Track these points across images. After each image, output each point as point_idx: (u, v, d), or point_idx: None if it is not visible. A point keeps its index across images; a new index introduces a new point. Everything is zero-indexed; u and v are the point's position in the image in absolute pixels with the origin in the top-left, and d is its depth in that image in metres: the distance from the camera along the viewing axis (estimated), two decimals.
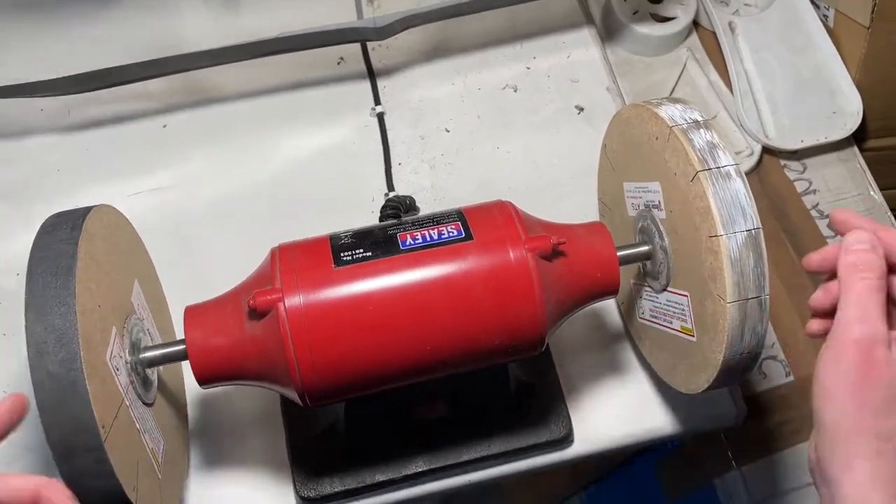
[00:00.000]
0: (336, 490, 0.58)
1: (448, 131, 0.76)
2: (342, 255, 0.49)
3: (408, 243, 0.50)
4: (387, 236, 0.50)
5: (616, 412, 0.63)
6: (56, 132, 0.74)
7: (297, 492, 0.58)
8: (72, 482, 0.41)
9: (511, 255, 0.49)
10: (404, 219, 0.53)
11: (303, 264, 0.49)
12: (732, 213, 0.45)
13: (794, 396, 0.75)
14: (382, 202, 0.72)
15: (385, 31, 0.71)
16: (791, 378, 0.75)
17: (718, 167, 0.46)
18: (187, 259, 0.67)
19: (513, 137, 0.75)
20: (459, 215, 0.51)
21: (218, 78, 0.76)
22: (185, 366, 0.55)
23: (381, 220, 0.62)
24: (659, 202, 0.52)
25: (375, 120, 0.76)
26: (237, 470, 0.60)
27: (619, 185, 0.58)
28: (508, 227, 0.50)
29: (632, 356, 0.65)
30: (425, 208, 0.69)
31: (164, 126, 0.75)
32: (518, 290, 0.48)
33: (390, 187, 0.73)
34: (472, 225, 0.50)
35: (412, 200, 0.65)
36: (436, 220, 0.51)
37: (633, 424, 0.63)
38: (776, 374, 0.76)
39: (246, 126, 0.75)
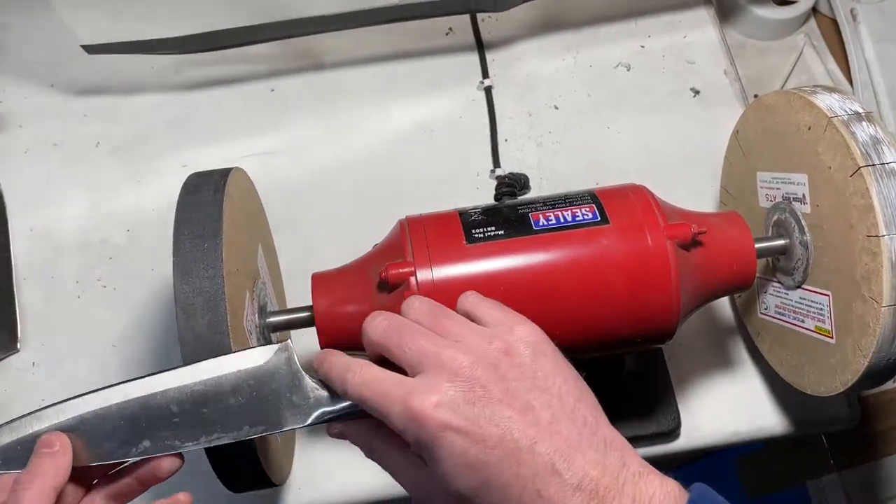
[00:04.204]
0: None
1: (556, 108, 0.74)
2: (473, 231, 0.48)
3: (541, 224, 0.48)
4: (518, 215, 0.49)
5: (724, 407, 0.62)
6: (165, 91, 0.74)
7: None
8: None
9: (649, 241, 0.47)
10: (534, 198, 0.51)
11: (434, 239, 0.48)
12: None
13: None
14: (487, 178, 0.71)
15: (503, 2, 0.69)
16: None
17: (883, 163, 0.44)
18: (291, 225, 0.67)
19: (623, 118, 0.73)
20: (593, 197, 0.50)
21: (326, 44, 0.75)
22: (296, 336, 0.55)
23: (495, 197, 0.61)
24: (803, 195, 0.49)
25: (482, 94, 0.74)
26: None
27: (750, 174, 0.56)
28: (646, 212, 0.48)
29: (743, 351, 0.63)
30: (532, 188, 0.68)
31: (272, 90, 0.74)
32: (654, 278, 0.47)
33: (496, 164, 0.71)
34: (607, 208, 0.49)
35: (526, 178, 0.63)
36: (569, 200, 0.50)
37: (741, 421, 0.61)
38: None
39: (352, 94, 0.74)
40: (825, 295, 0.49)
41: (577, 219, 0.48)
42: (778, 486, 0.80)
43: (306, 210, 0.69)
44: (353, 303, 0.49)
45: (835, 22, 0.84)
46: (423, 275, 0.47)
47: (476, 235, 0.48)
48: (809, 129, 0.47)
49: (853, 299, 0.46)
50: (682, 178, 0.70)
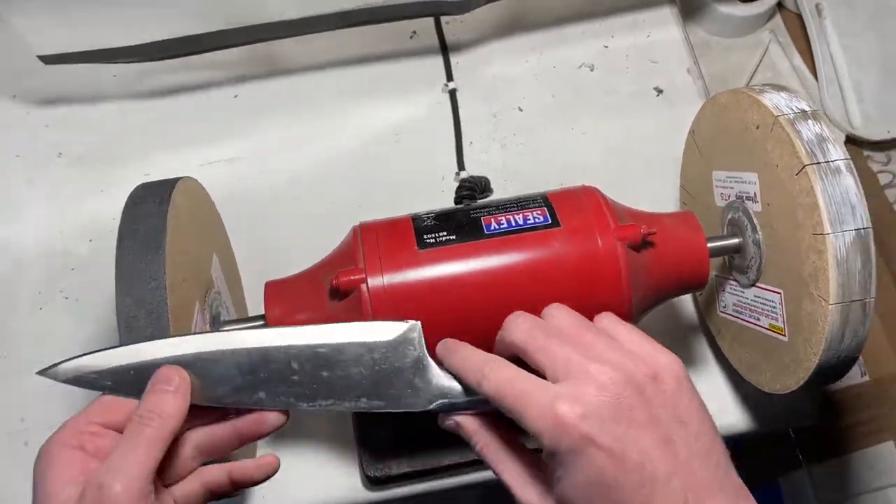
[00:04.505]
0: (403, 471, 0.58)
1: (521, 110, 0.74)
2: (425, 237, 0.48)
3: (492, 228, 0.48)
4: (470, 220, 0.49)
5: None
6: (128, 99, 0.74)
7: (363, 470, 0.58)
8: None
9: (600, 244, 0.47)
10: (488, 201, 0.51)
11: (386, 245, 0.48)
12: (841, 210, 0.43)
13: (869, 397, 0.72)
14: (452, 181, 0.71)
15: (465, 5, 0.69)
16: (867, 378, 0.73)
17: (828, 161, 0.44)
18: (254, 232, 0.67)
19: (587, 118, 0.73)
20: (545, 200, 0.50)
21: (289, 49, 0.75)
22: None
23: (455, 200, 0.61)
24: (754, 194, 0.50)
25: (447, 97, 0.74)
26: (304, 445, 0.60)
27: (706, 173, 0.56)
28: (597, 214, 0.48)
29: (706, 350, 0.63)
30: (496, 189, 0.68)
31: (236, 96, 0.74)
32: (605, 280, 0.47)
33: (461, 166, 0.71)
34: (558, 211, 0.49)
35: (487, 181, 0.64)
36: (521, 204, 0.50)
37: None
38: (851, 373, 0.73)
39: (317, 99, 0.74)
40: (777, 293, 0.49)
41: (529, 222, 0.48)
42: (749, 484, 0.80)
43: (272, 216, 0.69)
44: (306, 311, 0.49)
45: (800, 17, 0.84)
46: (375, 281, 0.47)
47: (428, 241, 0.48)
48: (758, 127, 0.47)
49: (802, 297, 0.46)
50: (645, 177, 0.70)
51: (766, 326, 0.51)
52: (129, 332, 0.40)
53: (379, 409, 0.39)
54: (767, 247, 0.49)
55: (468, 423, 0.40)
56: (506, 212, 0.49)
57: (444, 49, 0.76)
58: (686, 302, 0.65)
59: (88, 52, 0.66)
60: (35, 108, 0.73)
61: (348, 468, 0.59)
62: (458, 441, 0.58)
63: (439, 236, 0.48)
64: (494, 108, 0.74)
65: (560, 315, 0.39)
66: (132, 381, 0.37)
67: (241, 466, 0.40)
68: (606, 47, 0.76)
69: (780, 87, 0.49)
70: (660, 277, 0.49)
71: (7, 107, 0.74)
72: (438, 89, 0.75)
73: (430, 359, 0.39)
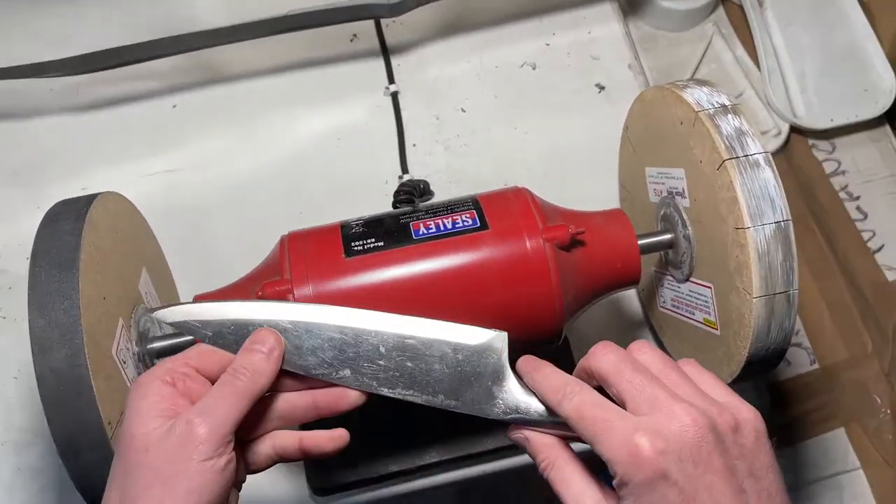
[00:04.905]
0: (348, 480, 0.57)
1: (464, 111, 0.73)
2: (353, 244, 0.48)
3: (420, 233, 0.48)
4: (399, 225, 0.49)
5: None
6: (65, 113, 0.73)
7: (309, 482, 0.58)
8: (79, 479, 0.40)
9: (528, 245, 0.47)
10: (418, 206, 0.51)
11: (313, 254, 0.47)
12: (761, 204, 0.43)
13: (819, 385, 0.73)
14: (396, 185, 0.70)
15: (399, 8, 0.68)
16: (816, 366, 0.73)
17: (747, 155, 0.44)
18: (197, 243, 0.66)
19: (531, 117, 0.73)
20: (475, 203, 0.49)
21: (227, 56, 0.74)
22: None
23: (394, 205, 0.61)
24: (683, 189, 0.50)
25: (389, 99, 0.74)
26: None
27: (640, 169, 0.56)
28: (525, 216, 0.48)
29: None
30: (440, 191, 0.67)
31: (174, 106, 0.73)
32: (535, 282, 0.46)
33: (404, 169, 0.71)
34: (487, 213, 0.48)
35: (426, 184, 0.63)
36: (450, 207, 0.49)
37: None
38: (801, 361, 0.74)
39: (256, 106, 0.74)
40: (708, 287, 0.49)
41: (458, 226, 0.48)
42: None
43: (215, 226, 0.68)
44: None
45: (742, 9, 0.85)
46: (301, 291, 0.46)
47: (355, 248, 0.48)
48: (681, 123, 0.47)
49: (730, 291, 0.46)
50: (588, 175, 0.70)
51: (701, 321, 0.51)
52: (43, 354, 0.39)
53: (453, 408, 0.40)
54: (697, 242, 0.49)
55: (538, 439, 0.40)
56: (435, 216, 0.49)
57: (385, 51, 0.76)
58: (632, 298, 0.65)
59: (16, 67, 0.65)
60: None
61: (295, 479, 0.59)
62: (401, 448, 0.58)
63: (367, 243, 0.48)
64: (437, 109, 0.73)
65: (647, 352, 0.39)
66: (230, 336, 0.40)
67: (313, 435, 0.41)
68: (548, 45, 0.76)
69: (703, 82, 0.49)
70: (591, 276, 0.49)
71: None
72: (380, 92, 0.74)
73: (510, 370, 0.40)
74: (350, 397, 0.40)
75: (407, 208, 0.51)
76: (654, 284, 0.58)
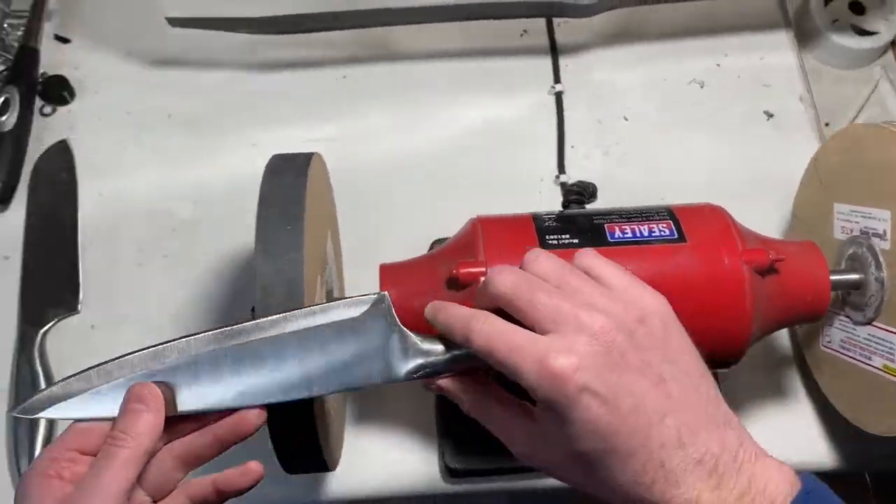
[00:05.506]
0: (483, 466, 0.58)
1: (626, 119, 0.73)
2: (548, 237, 0.48)
3: (616, 236, 0.48)
4: (593, 225, 0.49)
5: (773, 436, 0.60)
6: (239, 69, 0.75)
7: (443, 461, 0.58)
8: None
9: (726, 264, 0.47)
10: (609, 209, 0.51)
11: (508, 241, 0.48)
12: None
13: None
14: (551, 184, 0.71)
15: (592, 8, 0.68)
16: None
17: None
18: (350, 213, 0.67)
19: (693, 135, 0.72)
20: (670, 214, 0.49)
21: (401, 36, 0.76)
22: None
23: (563, 204, 0.61)
24: (884, 232, 0.49)
25: (552, 98, 0.74)
26: (386, 429, 0.61)
27: (826, 204, 0.55)
28: (724, 234, 0.48)
29: (797, 381, 0.62)
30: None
31: (344, 77, 0.75)
32: (729, 302, 0.46)
33: (561, 170, 0.71)
34: (684, 226, 0.48)
35: (594, 188, 0.63)
36: (645, 215, 0.49)
37: (789, 451, 0.59)
38: None
39: (422, 88, 0.74)
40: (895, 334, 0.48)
41: (654, 234, 0.48)
42: None
43: (366, 200, 0.69)
44: (421, 297, 0.48)
45: None
46: None
47: (550, 242, 0.48)
48: None
49: None
50: (747, 200, 0.67)
51: (880, 367, 0.50)
52: (266, 299, 0.40)
53: (363, 387, 0.38)
54: (892, 286, 0.48)
55: (452, 386, 0.40)
56: (630, 221, 0.49)
57: (554, 50, 0.76)
58: (781, 331, 0.64)
59: (213, 19, 0.67)
60: (148, 69, 0.75)
61: (428, 457, 0.60)
62: None
63: (562, 238, 0.48)
64: (599, 114, 0.73)
65: (541, 261, 0.39)
66: (107, 402, 0.38)
67: (224, 476, 0.40)
68: (719, 65, 0.75)
69: None
70: (780, 305, 0.49)
71: (120, 64, 0.75)
72: (544, 90, 0.74)
73: (403, 328, 0.39)
74: (249, 420, 0.38)
75: (600, 210, 0.51)
76: (820, 322, 0.57)
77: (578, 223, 0.49)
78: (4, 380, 0.61)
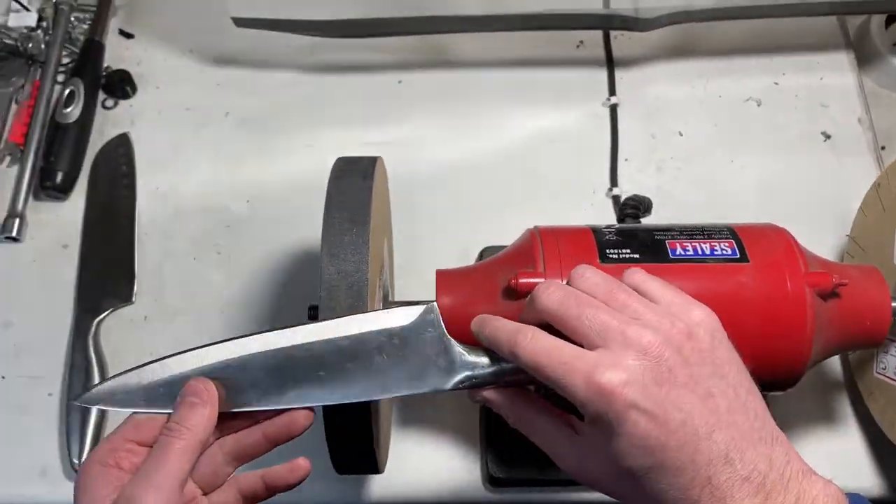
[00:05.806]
0: (526, 476, 0.58)
1: (681, 135, 0.73)
2: (608, 251, 0.48)
3: (678, 253, 0.48)
4: (654, 241, 0.49)
5: (823, 461, 0.59)
6: (298, 70, 0.76)
7: (487, 469, 0.58)
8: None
9: (789, 286, 0.46)
10: (669, 225, 0.51)
11: (567, 252, 0.48)
12: None
13: None
14: (603, 196, 0.70)
15: (649, 23, 0.68)
16: None
17: None
18: (401, 217, 0.68)
19: (749, 153, 0.72)
20: (732, 233, 0.49)
21: (457, 43, 0.76)
22: None
23: (619, 217, 0.61)
24: None
25: (607, 110, 0.74)
26: (430, 434, 0.61)
27: (888, 229, 0.54)
28: (788, 256, 0.47)
29: (846, 406, 0.62)
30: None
31: (399, 82, 0.75)
32: (790, 324, 0.46)
33: (614, 182, 0.71)
34: (747, 246, 0.48)
35: (650, 202, 0.63)
36: (707, 233, 0.49)
37: (839, 478, 0.59)
38: None
39: (476, 95, 0.75)
40: None
41: (716, 253, 0.48)
42: None
43: (416, 205, 0.70)
44: (477, 304, 0.49)
45: None
46: None
47: (610, 256, 0.48)
48: None
49: None
50: (802, 221, 0.66)
51: None
52: (330, 300, 0.41)
53: (409, 394, 0.39)
54: None
55: (497, 397, 0.40)
56: (691, 238, 0.49)
57: (611, 62, 0.76)
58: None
59: (277, 20, 0.68)
60: (208, 66, 0.76)
61: (471, 464, 0.60)
62: None
63: (622, 252, 0.48)
64: (654, 128, 0.73)
65: (588, 277, 0.39)
66: (164, 396, 0.39)
67: (273, 471, 0.41)
68: (776, 84, 0.75)
69: None
70: (838, 330, 0.48)
71: (182, 60, 0.76)
72: (598, 102, 0.74)
73: (450, 338, 0.40)
74: (298, 421, 0.40)
75: (661, 225, 0.51)
76: (876, 349, 0.56)
77: (640, 238, 0.49)
78: (59, 366, 0.63)
